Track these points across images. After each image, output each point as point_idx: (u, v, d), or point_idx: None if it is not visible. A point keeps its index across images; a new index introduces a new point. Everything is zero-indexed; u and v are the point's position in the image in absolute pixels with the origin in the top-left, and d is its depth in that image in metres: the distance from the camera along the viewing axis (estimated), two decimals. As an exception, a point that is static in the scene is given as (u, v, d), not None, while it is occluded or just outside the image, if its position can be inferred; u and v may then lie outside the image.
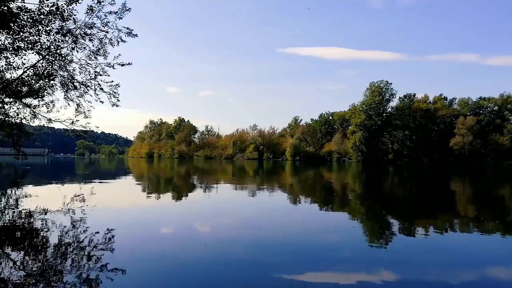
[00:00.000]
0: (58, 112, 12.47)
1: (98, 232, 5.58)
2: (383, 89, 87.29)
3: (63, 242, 5.03)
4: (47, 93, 12.18)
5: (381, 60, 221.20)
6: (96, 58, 11.88)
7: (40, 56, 11.39)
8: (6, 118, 11.92)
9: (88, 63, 11.94)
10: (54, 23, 10.87)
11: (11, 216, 7.07)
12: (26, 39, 10.72)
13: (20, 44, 10.73)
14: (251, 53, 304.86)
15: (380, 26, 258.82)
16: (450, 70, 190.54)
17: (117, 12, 11.27)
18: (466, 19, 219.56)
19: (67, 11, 10.76)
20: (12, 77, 11.46)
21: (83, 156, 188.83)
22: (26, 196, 10.19)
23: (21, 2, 10.18)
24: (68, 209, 7.83)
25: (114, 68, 12.01)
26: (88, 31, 11.45)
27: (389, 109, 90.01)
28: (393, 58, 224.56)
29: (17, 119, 12.15)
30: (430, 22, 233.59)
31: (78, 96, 12.35)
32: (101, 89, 12.22)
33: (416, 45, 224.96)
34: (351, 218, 7.90)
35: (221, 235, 5.96)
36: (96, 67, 12.01)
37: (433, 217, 7.79)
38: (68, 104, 12.40)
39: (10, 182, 15.84)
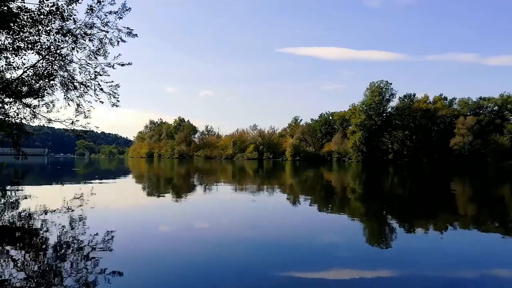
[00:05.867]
0: (58, 112, 12.51)
1: (97, 232, 5.57)
2: (383, 89, 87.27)
3: (62, 242, 5.03)
4: (47, 93, 12.21)
5: (379, 60, 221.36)
6: (96, 58, 11.91)
7: (40, 56, 11.40)
8: (6, 118, 11.93)
9: (88, 63, 11.96)
10: (54, 23, 10.89)
11: (11, 216, 7.07)
12: (26, 39, 10.73)
13: (20, 44, 10.74)
14: (250, 53, 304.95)
15: (378, 25, 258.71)
16: (449, 70, 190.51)
17: (117, 12, 11.29)
18: (464, 19, 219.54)
19: (67, 11, 10.78)
20: (12, 77, 11.48)
21: (83, 156, 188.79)
22: (26, 196, 10.19)
23: (21, 2, 10.20)
24: (68, 209, 7.82)
25: (114, 68, 12.04)
26: (88, 31, 11.47)
27: (389, 109, 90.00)
28: (392, 58, 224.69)
29: (17, 119, 12.17)
30: (428, 22, 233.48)
31: (78, 96, 12.38)
32: (101, 89, 12.24)
33: (414, 44, 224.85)
34: (351, 218, 7.90)
35: (221, 235, 5.96)
36: (96, 67, 12.03)
37: (433, 217, 7.79)
38: (68, 104, 12.43)
39: (10, 182, 15.83)
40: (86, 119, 12.47)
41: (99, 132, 17.14)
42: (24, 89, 11.68)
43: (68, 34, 11.20)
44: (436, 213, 8.36)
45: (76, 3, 10.80)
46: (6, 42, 10.61)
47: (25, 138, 13.28)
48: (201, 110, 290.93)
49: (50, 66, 11.75)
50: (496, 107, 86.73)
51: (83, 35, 11.44)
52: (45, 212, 7.37)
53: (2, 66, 11.18)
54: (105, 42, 11.69)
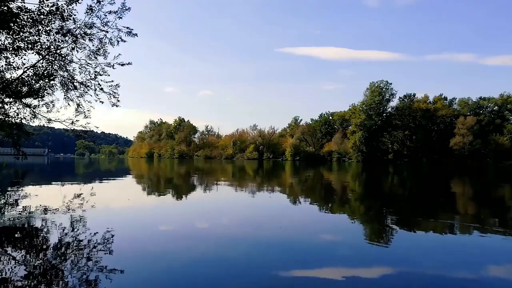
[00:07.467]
0: (58, 112, 12.47)
1: (97, 232, 5.58)
2: (383, 89, 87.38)
3: (63, 242, 5.03)
4: (47, 93, 12.18)
5: (378, 59, 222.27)
6: (96, 58, 11.89)
7: (40, 56, 11.38)
8: (6, 118, 11.92)
9: (88, 63, 11.95)
10: (54, 23, 10.88)
11: (11, 215, 7.07)
12: (26, 39, 10.72)
13: (20, 44, 10.73)
14: (250, 52, 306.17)
15: (377, 25, 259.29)
16: (449, 70, 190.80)
17: (116, 11, 11.28)
18: (463, 18, 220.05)
19: (67, 11, 10.77)
20: (12, 77, 11.46)
21: (83, 156, 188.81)
22: (26, 196, 10.19)
23: (21, 2, 10.19)
24: (68, 209, 7.83)
25: (114, 68, 12.02)
26: (88, 31, 11.46)
27: (389, 109, 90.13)
28: (391, 57, 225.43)
29: (17, 119, 12.14)
30: (427, 21, 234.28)
31: (78, 96, 12.36)
32: (101, 89, 12.23)
33: (414, 44, 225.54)
34: (351, 218, 7.90)
35: (221, 234, 5.96)
36: (96, 67, 12.02)
37: (433, 217, 7.79)
38: (68, 104, 12.41)
39: (10, 182, 15.83)
40: (86, 119, 12.46)
41: (99, 132, 17.16)
42: (24, 89, 11.66)
43: (68, 34, 11.19)
44: (435, 213, 8.36)
45: (76, 3, 10.80)
46: (6, 42, 10.61)
47: (25, 138, 13.25)
48: (201, 110, 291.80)
49: (50, 66, 11.74)
50: (496, 107, 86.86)
51: (83, 35, 11.43)
52: (45, 212, 7.38)
53: (2, 66, 11.17)
54: (105, 42, 11.69)
